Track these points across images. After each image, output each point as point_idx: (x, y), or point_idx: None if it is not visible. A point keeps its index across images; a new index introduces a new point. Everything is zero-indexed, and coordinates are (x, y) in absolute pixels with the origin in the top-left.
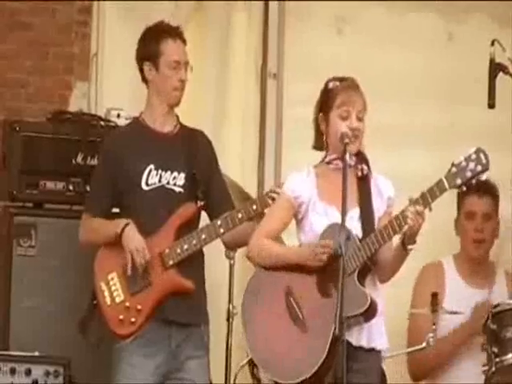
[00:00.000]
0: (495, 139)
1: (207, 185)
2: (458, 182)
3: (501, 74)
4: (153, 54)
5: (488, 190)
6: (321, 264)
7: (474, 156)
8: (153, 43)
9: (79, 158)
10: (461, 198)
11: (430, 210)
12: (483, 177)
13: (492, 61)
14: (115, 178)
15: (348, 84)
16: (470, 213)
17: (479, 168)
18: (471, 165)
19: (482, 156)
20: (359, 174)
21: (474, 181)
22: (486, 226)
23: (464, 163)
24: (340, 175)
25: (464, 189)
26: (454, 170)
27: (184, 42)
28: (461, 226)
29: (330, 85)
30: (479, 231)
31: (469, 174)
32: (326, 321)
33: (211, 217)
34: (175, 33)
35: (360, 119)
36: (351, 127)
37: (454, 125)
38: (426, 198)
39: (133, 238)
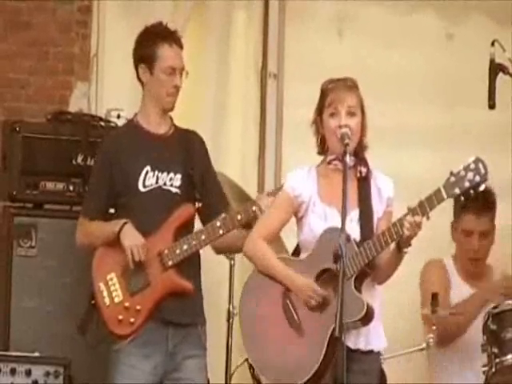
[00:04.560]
0: (495, 139)
1: (202, 185)
2: (456, 191)
3: (501, 74)
4: (148, 58)
5: (486, 206)
6: (308, 304)
7: (472, 166)
8: (149, 46)
9: (79, 159)
10: (458, 210)
11: (428, 218)
12: (482, 187)
13: (492, 61)
14: (112, 180)
15: (339, 83)
16: (467, 231)
17: (478, 178)
18: (470, 175)
19: (480, 166)
20: (358, 175)
21: (472, 191)
22: (484, 242)
23: (463, 173)
24: (340, 176)
25: (462, 199)
26: (452, 179)
27: (181, 47)
28: (457, 238)
29: (323, 86)
30: (476, 252)
31: (467, 184)
32: (323, 324)
33: (206, 216)
34: (172, 38)
35: (352, 114)
36: (340, 124)
37: (454, 125)
38: (424, 207)
39: (131, 234)
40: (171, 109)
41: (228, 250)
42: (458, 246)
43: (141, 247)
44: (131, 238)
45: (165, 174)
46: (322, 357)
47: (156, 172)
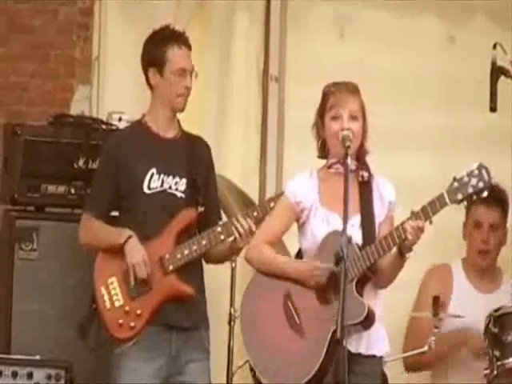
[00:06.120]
0: (496, 143)
1: (205, 192)
2: (459, 197)
3: (502, 77)
4: (158, 61)
5: (497, 200)
6: (318, 283)
7: (476, 172)
8: (158, 49)
9: (81, 162)
10: (469, 205)
11: (431, 223)
12: (485, 193)
13: (494, 64)
14: (117, 180)
15: (342, 87)
16: (477, 222)
17: (481, 184)
18: (473, 180)
19: (484, 172)
20: (360, 179)
21: (475, 197)
22: (493, 236)
23: (466, 178)
24: (341, 179)
25: (465, 203)
26: (455, 184)
27: (189, 48)
28: (468, 233)
29: (325, 89)
30: (485, 242)
31: (470, 190)
32: (324, 326)
33: (199, 225)
34: (181, 39)
35: (354, 118)
36: (342, 127)
37: (455, 128)
38: (427, 212)
39: (136, 251)
40: (181, 110)
41: (211, 261)
42: (468, 242)
43: (144, 265)
44: (136, 254)
45: (170, 177)
46: (322, 358)
47: (161, 175)
